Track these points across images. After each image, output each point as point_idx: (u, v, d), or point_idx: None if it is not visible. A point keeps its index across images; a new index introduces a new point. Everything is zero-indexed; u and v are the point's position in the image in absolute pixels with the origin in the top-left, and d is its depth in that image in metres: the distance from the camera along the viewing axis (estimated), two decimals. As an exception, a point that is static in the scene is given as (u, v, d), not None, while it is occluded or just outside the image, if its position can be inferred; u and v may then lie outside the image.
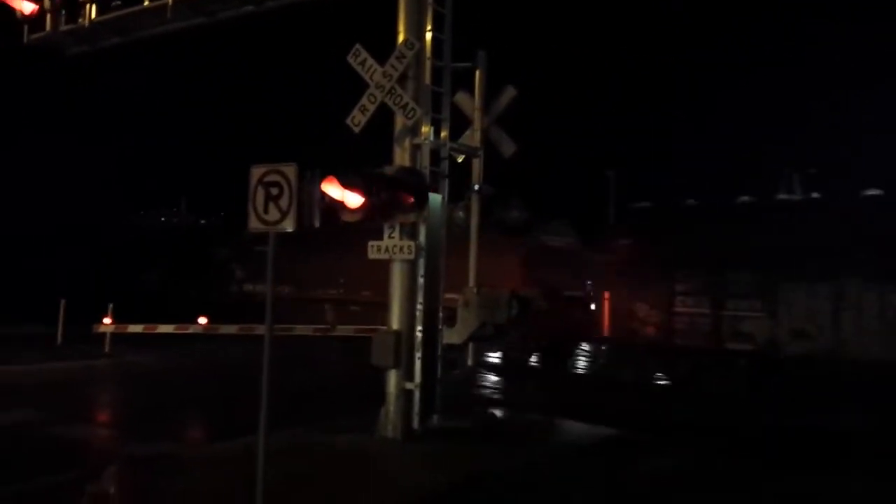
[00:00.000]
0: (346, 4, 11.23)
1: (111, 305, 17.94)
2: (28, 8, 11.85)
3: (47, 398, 12.80)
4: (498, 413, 12.13)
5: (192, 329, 17.63)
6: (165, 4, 10.97)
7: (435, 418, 9.90)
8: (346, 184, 8.79)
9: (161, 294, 29.62)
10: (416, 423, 9.65)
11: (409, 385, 9.64)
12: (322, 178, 9.04)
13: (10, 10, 12.24)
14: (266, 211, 6.42)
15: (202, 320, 18.14)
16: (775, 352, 16.25)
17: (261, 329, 16.16)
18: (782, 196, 18.66)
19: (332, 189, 8.74)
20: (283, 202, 6.32)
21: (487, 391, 15.43)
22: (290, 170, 6.31)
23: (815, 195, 18.70)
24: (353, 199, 8.93)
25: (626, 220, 21.44)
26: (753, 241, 17.01)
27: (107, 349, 17.73)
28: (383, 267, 9.81)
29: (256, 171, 6.44)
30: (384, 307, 9.83)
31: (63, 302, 18.74)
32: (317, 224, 8.79)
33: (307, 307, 23.42)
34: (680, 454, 9.91)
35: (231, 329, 17.95)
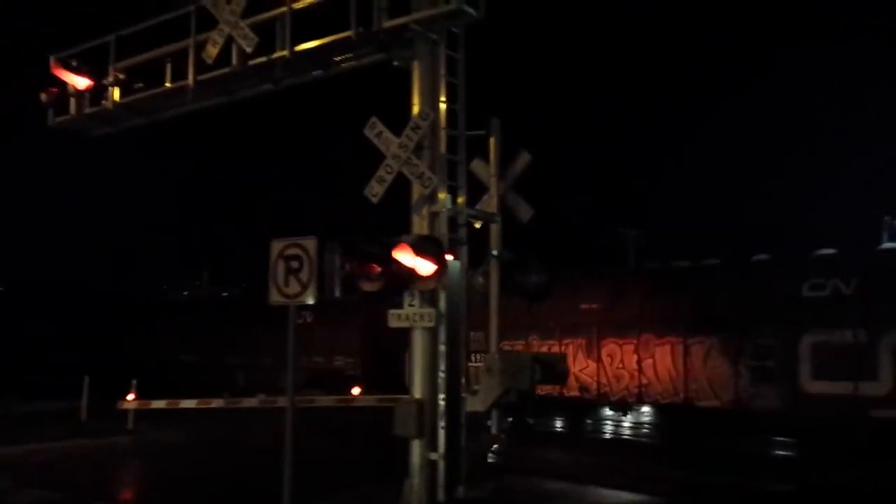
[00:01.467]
0: (361, 79, 11.47)
1: (134, 381, 17.97)
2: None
3: (71, 477, 12.74)
4: (524, 481, 11.89)
5: (214, 404, 17.57)
6: (186, 86, 11.25)
7: (460, 490, 9.68)
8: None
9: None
10: (441, 496, 9.44)
11: (433, 455, 9.47)
12: (344, 249, 9.13)
13: (35, 95, 12.63)
14: (286, 284, 6.46)
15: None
16: None
17: (283, 401, 16.18)
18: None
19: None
20: (304, 275, 6.37)
21: (512, 459, 15.14)
22: (310, 243, 6.38)
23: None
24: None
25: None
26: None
27: (130, 425, 17.68)
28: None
29: (277, 245, 6.51)
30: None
31: (87, 379, 18.84)
32: (337, 294, 8.83)
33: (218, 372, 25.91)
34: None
35: (252, 402, 17.88)
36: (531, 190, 11.21)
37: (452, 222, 9.98)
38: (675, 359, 16.97)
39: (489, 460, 13.06)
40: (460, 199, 10.10)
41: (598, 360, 18.16)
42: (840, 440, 14.10)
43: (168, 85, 11.61)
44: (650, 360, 17.36)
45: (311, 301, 6.36)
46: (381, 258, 9.13)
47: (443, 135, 9.84)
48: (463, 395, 9.92)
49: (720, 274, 17.65)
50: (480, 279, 10.79)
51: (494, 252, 10.67)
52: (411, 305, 9.66)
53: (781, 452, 15.78)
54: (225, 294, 49.98)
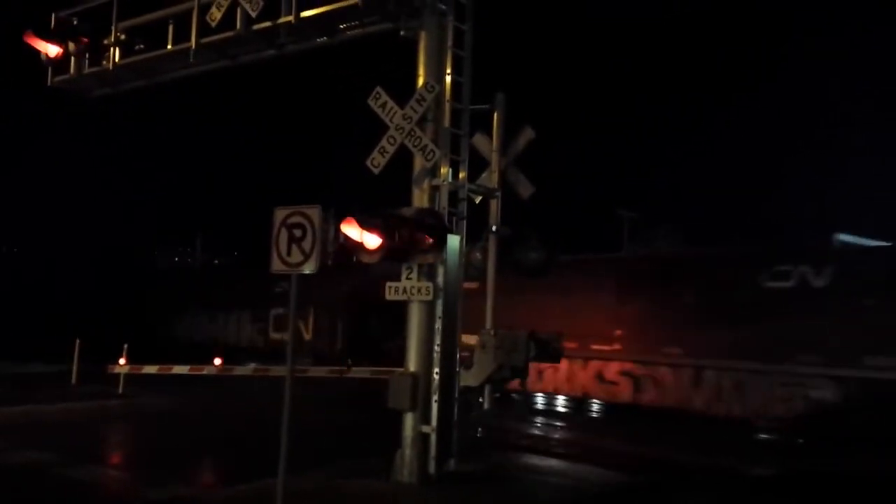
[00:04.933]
0: (366, 48, 11.37)
1: (126, 346, 17.95)
2: (53, 51, 12.04)
3: (62, 439, 12.73)
4: (515, 457, 11.97)
5: (206, 370, 17.57)
6: (188, 48, 11.11)
7: (451, 462, 9.76)
8: (365, 225, 8.81)
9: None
10: (432, 468, 9.51)
11: (425, 429, 9.53)
12: (338, 218, 9.09)
13: (37, 53, 12.48)
14: (289, 253, 6.43)
15: (217, 361, 18.11)
16: None
17: (275, 370, 16.23)
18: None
19: (351, 230, 8.76)
20: (307, 244, 6.33)
21: (505, 434, 15.24)
22: (314, 212, 6.34)
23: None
24: (372, 241, 8.94)
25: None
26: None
27: (121, 389, 17.69)
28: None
29: (280, 213, 6.47)
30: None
31: (78, 342, 18.82)
32: (329, 263, 8.82)
33: None
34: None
35: (246, 370, 17.90)
36: (534, 168, 11.17)
37: (453, 196, 9.96)
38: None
39: (479, 435, 13.17)
40: (462, 174, 10.08)
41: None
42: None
43: (170, 47, 11.47)
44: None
45: (312, 270, 6.34)
46: (381, 229, 9.10)
47: (447, 108, 9.80)
48: (457, 369, 9.96)
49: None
50: (478, 254, 10.79)
51: (494, 227, 10.66)
52: (409, 279, 9.67)
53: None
54: (216, 262, 49.84)
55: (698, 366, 16.04)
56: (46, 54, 12.09)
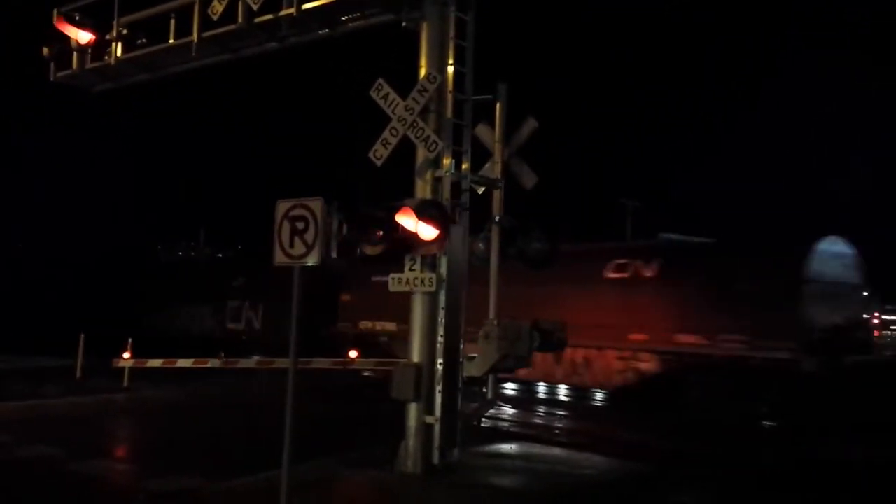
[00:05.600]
0: (368, 39, 11.35)
1: (130, 340, 18.00)
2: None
3: (67, 433, 12.80)
4: (518, 447, 12.00)
5: (210, 363, 17.62)
6: (191, 42, 11.11)
7: (455, 452, 9.80)
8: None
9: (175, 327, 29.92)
10: (436, 458, 9.54)
11: (429, 419, 9.55)
12: (341, 211, 9.10)
13: (38, 50, 12.49)
14: (291, 245, 6.43)
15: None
16: None
17: (279, 363, 16.26)
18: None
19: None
20: (309, 236, 6.33)
21: (508, 424, 15.29)
22: (317, 204, 6.34)
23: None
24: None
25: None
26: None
27: (125, 383, 17.75)
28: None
29: (283, 206, 6.47)
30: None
31: (82, 336, 18.87)
32: (333, 255, 8.83)
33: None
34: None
35: (249, 363, 17.94)
36: (537, 158, 11.15)
37: (456, 187, 9.95)
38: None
39: (483, 424, 13.20)
40: (465, 165, 10.07)
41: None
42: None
43: (172, 41, 11.47)
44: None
45: (314, 262, 6.34)
46: (384, 222, 9.11)
47: (449, 98, 9.78)
48: (460, 359, 9.97)
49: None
50: (481, 245, 10.77)
51: (497, 218, 10.64)
52: (412, 270, 9.67)
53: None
54: (220, 255, 49.97)
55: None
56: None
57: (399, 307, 11.51)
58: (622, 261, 18.54)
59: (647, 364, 17.50)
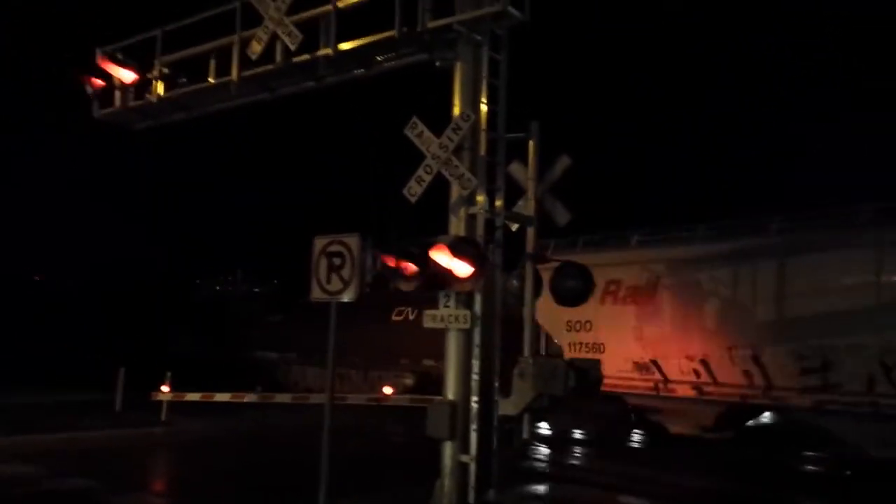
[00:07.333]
0: (402, 79, 11.49)
1: (169, 374, 18.18)
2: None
3: (105, 465, 12.92)
4: (554, 487, 11.83)
5: (247, 398, 17.72)
6: (229, 82, 11.34)
7: (491, 493, 9.66)
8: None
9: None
10: (471, 498, 9.41)
11: (464, 458, 9.44)
12: (376, 247, 9.15)
13: (82, 87, 12.81)
14: (328, 281, 6.47)
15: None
16: None
17: (315, 398, 16.29)
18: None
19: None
20: (346, 272, 6.37)
21: (543, 464, 15.09)
22: (353, 241, 6.40)
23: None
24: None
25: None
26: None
27: (164, 417, 17.90)
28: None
29: (320, 242, 6.53)
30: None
31: (122, 370, 19.11)
32: (367, 290, 8.87)
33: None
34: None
35: (285, 398, 17.99)
36: (568, 192, 11.13)
37: (489, 224, 9.95)
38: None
39: (520, 464, 13.04)
40: (498, 202, 10.08)
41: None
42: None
43: (212, 80, 11.70)
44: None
45: (350, 298, 6.37)
46: (419, 258, 9.13)
47: (483, 137, 9.81)
48: (496, 398, 9.88)
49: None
50: (515, 282, 10.75)
51: (530, 255, 10.61)
52: (447, 307, 9.65)
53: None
54: (257, 290, 50.44)
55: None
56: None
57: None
58: (402, 308, 22.73)
59: (408, 380, 21.65)
